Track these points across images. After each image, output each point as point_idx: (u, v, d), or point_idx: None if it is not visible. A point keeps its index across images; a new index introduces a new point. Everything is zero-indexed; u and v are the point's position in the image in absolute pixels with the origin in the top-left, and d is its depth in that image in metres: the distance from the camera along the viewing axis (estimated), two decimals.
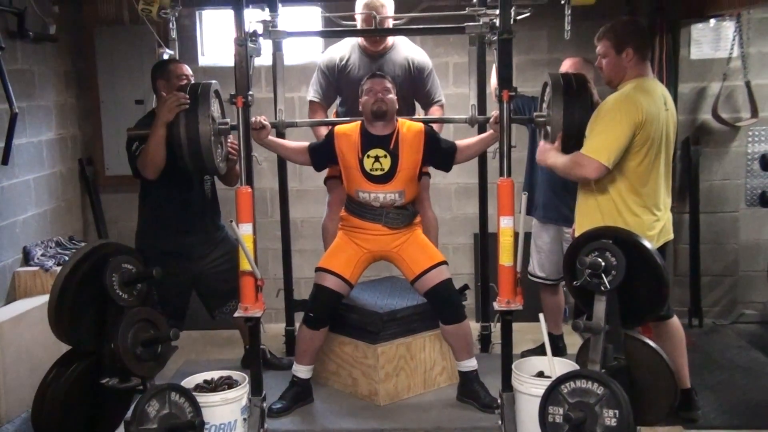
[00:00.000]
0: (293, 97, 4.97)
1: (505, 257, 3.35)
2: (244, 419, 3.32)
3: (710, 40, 4.82)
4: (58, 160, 4.74)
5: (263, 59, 3.86)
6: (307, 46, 5.05)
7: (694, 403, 3.48)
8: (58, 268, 3.88)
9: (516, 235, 3.35)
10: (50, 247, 4.40)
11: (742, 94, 4.79)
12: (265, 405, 3.50)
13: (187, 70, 3.91)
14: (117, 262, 2.98)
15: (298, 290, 4.73)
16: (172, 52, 4.62)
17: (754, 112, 4.75)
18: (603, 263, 2.97)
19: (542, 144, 3.47)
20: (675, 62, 4.67)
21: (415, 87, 4.17)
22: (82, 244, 4.46)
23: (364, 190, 3.73)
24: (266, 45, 3.81)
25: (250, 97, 3.38)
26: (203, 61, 5.07)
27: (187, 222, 3.87)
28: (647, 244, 3.02)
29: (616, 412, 2.80)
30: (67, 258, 4.09)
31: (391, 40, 4.17)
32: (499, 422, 3.43)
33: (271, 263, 4.98)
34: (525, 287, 3.42)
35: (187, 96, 3.50)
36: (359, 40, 4.16)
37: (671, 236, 3.47)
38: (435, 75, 4.27)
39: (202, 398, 3.16)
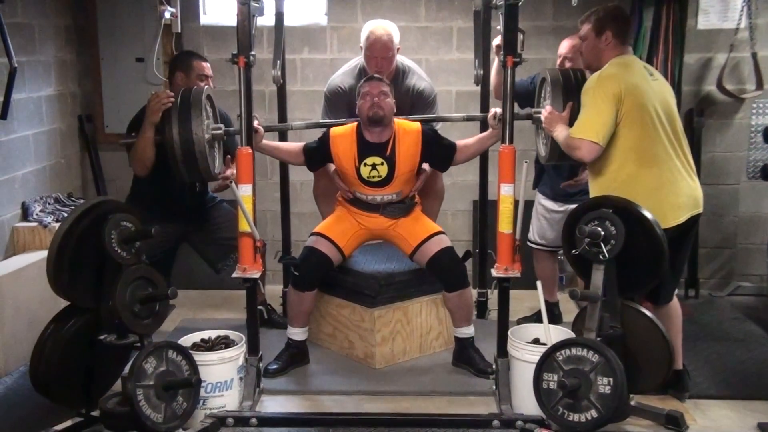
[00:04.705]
0: (294, 58, 4.93)
1: (505, 224, 3.35)
2: (241, 378, 3.35)
3: (718, 9, 4.77)
4: (57, 116, 4.71)
5: (265, 19, 3.82)
6: (309, 6, 4.99)
7: (685, 384, 3.44)
8: (57, 225, 3.90)
9: (516, 202, 3.34)
10: (49, 204, 4.39)
11: (748, 66, 4.75)
12: (261, 365, 3.53)
13: (208, 70, 3.98)
14: (116, 220, 2.98)
15: (296, 253, 4.72)
16: (173, 10, 4.59)
17: (760, 84, 4.71)
18: (602, 232, 2.97)
19: (550, 110, 3.41)
20: (681, 32, 4.61)
21: (414, 113, 3.97)
22: (81, 201, 4.46)
23: (361, 192, 3.75)
24: (269, 4, 3.77)
25: (252, 57, 3.35)
26: (205, 20, 5.01)
27: (176, 209, 3.97)
28: (647, 214, 3.02)
29: (610, 380, 2.83)
30: (65, 214, 4.09)
31: (397, 69, 4.06)
32: (494, 387, 3.47)
33: (269, 225, 4.98)
34: (523, 255, 3.43)
35: (171, 94, 3.53)
36: (363, 66, 4.04)
37: (700, 209, 3.32)
38: (437, 105, 4.17)
39: (199, 357, 3.18)
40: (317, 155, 3.80)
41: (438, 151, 3.77)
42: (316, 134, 3.96)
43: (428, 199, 4.04)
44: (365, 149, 3.68)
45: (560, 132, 3.31)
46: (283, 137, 4.26)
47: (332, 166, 3.84)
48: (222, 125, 3.65)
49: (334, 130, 3.78)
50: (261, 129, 3.60)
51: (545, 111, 3.43)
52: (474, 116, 4.05)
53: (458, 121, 4.08)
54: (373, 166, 3.68)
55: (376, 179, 3.70)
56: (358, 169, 3.69)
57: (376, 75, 3.77)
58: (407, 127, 3.73)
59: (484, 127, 3.89)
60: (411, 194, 3.83)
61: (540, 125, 3.55)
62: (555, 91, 3.42)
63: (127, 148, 3.79)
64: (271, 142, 3.85)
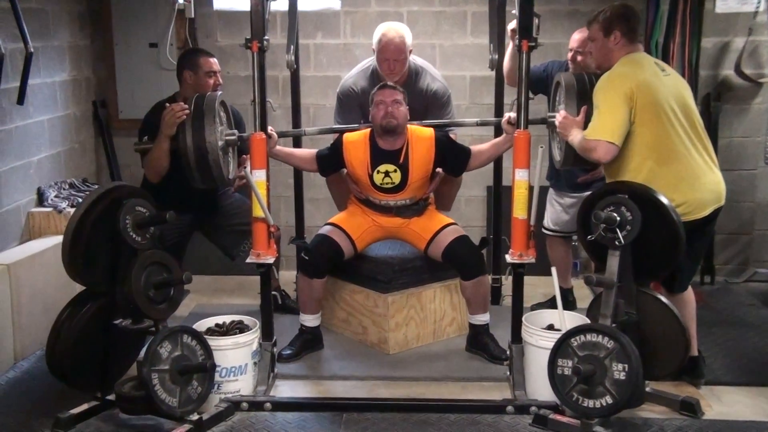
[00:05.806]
0: (308, 43, 4.91)
1: (519, 210, 3.34)
2: (255, 363, 3.36)
3: None
4: (71, 101, 4.72)
5: (279, 4, 3.80)
6: None
7: (700, 371, 3.42)
8: (72, 210, 3.92)
9: (530, 188, 3.32)
10: (64, 189, 4.41)
11: (766, 50, 4.69)
12: (275, 350, 3.54)
13: (216, 65, 3.96)
14: (130, 205, 2.99)
15: (310, 238, 4.73)
16: None
17: None
18: (618, 218, 2.95)
19: (565, 114, 3.38)
20: (699, 16, 4.55)
21: (428, 113, 3.97)
22: (96, 186, 4.47)
23: (374, 197, 3.76)
24: None
25: (265, 42, 3.34)
26: (218, 4, 4.99)
27: (186, 201, 3.92)
28: (663, 199, 3.00)
29: (626, 366, 2.82)
30: (80, 200, 4.10)
31: (410, 70, 4.01)
32: (508, 373, 3.47)
33: (283, 211, 4.98)
34: (537, 241, 3.42)
35: (185, 106, 3.53)
36: (376, 67, 3.99)
37: (722, 202, 3.32)
38: (452, 104, 4.13)
39: (214, 341, 3.20)
40: (330, 162, 3.80)
41: (451, 158, 3.76)
42: (331, 136, 3.97)
43: (445, 185, 4.02)
44: (378, 156, 3.68)
45: (575, 136, 3.27)
46: (297, 141, 4.25)
47: (345, 170, 3.84)
48: (236, 131, 3.65)
49: (347, 137, 3.77)
50: (275, 135, 3.59)
51: (559, 116, 3.40)
52: (488, 121, 4.06)
53: (471, 125, 4.07)
54: (386, 174, 3.67)
55: (389, 186, 3.70)
56: (371, 176, 3.69)
57: (390, 83, 3.73)
58: (420, 134, 3.71)
59: (498, 131, 3.88)
60: (424, 196, 3.83)
61: (555, 130, 3.52)
62: (569, 96, 3.39)
63: (141, 154, 3.80)
64: (284, 148, 3.86)
